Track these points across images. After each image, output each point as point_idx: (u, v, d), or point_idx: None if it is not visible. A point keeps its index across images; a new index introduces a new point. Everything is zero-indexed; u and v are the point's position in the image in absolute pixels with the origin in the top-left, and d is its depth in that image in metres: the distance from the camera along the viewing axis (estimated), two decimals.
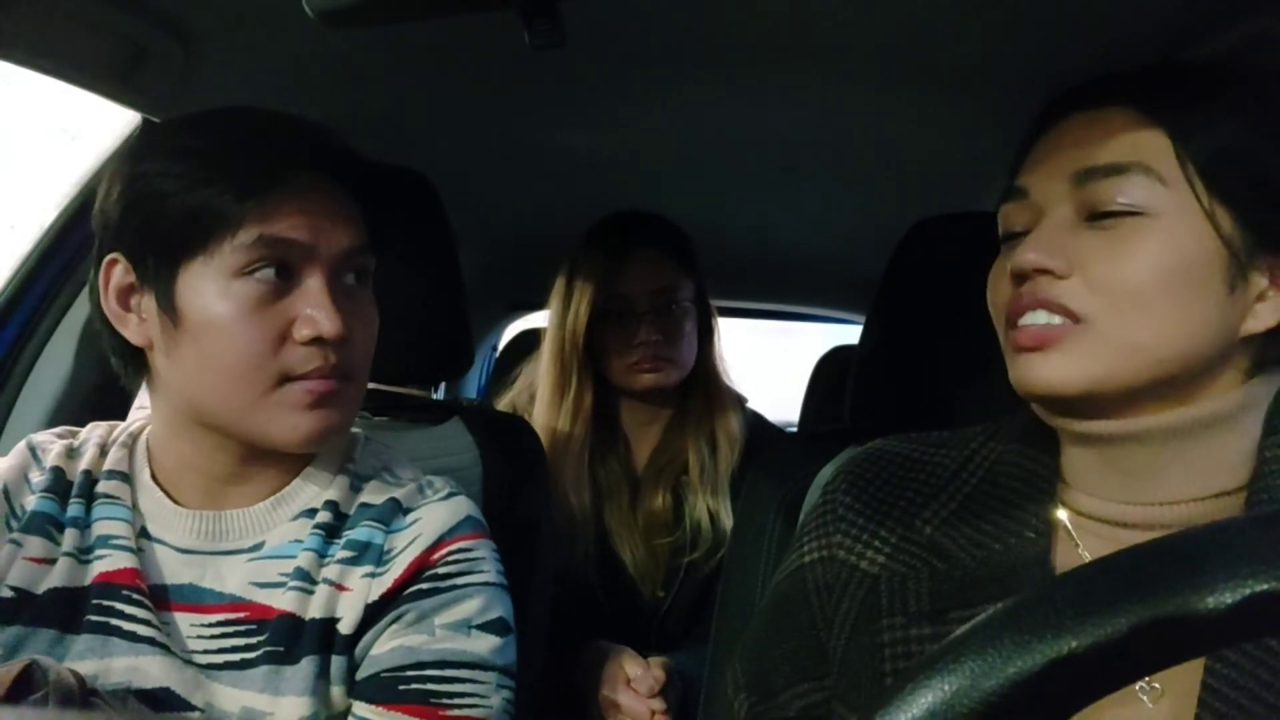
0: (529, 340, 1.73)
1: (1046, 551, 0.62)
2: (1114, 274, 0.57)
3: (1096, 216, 0.59)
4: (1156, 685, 0.57)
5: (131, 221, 0.70)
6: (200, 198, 0.68)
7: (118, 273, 0.72)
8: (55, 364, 1.15)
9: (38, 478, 0.77)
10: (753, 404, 1.47)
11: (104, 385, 0.78)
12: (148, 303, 0.71)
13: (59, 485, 0.76)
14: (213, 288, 0.69)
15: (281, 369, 0.70)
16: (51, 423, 1.05)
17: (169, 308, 0.70)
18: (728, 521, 1.28)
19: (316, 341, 0.70)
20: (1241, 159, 0.57)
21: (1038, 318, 0.60)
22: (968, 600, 0.62)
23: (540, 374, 1.37)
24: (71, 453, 0.79)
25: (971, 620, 0.60)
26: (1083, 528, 0.63)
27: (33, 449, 0.79)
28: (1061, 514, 0.64)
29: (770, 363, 2.84)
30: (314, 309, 0.70)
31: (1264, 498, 0.57)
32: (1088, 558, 0.62)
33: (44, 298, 1.16)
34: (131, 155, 0.72)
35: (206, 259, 0.69)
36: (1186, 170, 0.57)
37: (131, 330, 0.73)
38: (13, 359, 1.15)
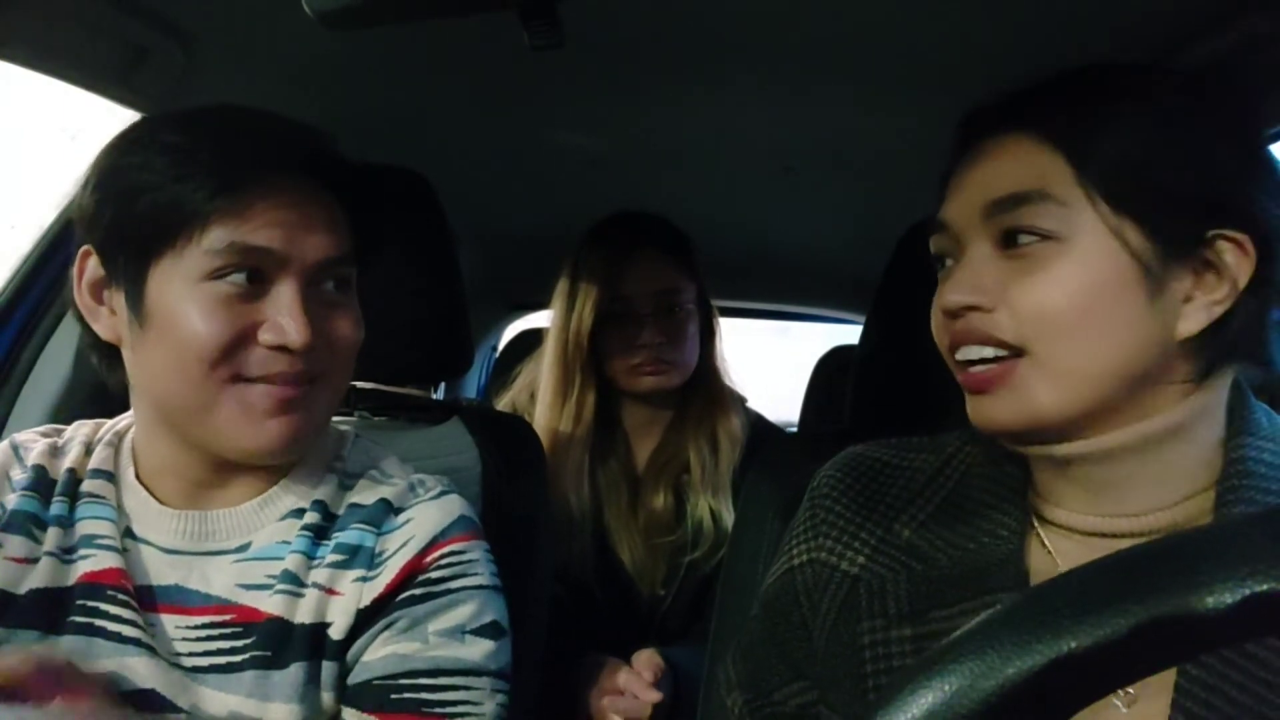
0: (529, 340, 1.73)
1: (1019, 551, 0.63)
2: (1034, 302, 0.58)
3: (1009, 247, 0.60)
4: (1130, 690, 0.57)
5: (104, 215, 0.68)
6: (171, 194, 0.66)
7: (90, 265, 0.71)
8: (55, 364, 1.15)
9: (19, 476, 0.75)
10: (752, 404, 1.47)
11: (104, 385, 0.77)
12: (118, 299, 0.70)
13: (41, 483, 0.75)
14: (181, 288, 0.67)
15: (241, 367, 0.68)
16: (51, 422, 1.05)
17: (137, 306, 0.68)
18: (729, 520, 1.28)
19: (281, 348, 0.68)
20: (1140, 172, 0.57)
21: (971, 353, 0.62)
22: (945, 600, 0.63)
23: (543, 374, 1.37)
24: (55, 451, 0.77)
25: (950, 619, 0.61)
26: (1054, 532, 0.64)
27: (14, 448, 0.78)
28: (1033, 518, 0.65)
29: (770, 363, 2.83)
30: (283, 317, 0.68)
31: (1231, 497, 0.58)
32: (1058, 560, 0.63)
33: (44, 298, 1.16)
34: (110, 149, 0.71)
35: (176, 258, 0.67)
36: (1087, 190, 0.57)
37: (102, 324, 0.72)
38: (13, 359, 1.15)
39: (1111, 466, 0.60)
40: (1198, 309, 0.57)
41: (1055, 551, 0.63)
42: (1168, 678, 0.55)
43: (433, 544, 0.75)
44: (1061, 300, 0.57)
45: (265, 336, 0.68)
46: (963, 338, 0.62)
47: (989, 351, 0.61)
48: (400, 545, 0.74)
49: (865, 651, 0.65)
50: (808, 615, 0.71)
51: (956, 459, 0.71)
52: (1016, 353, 0.60)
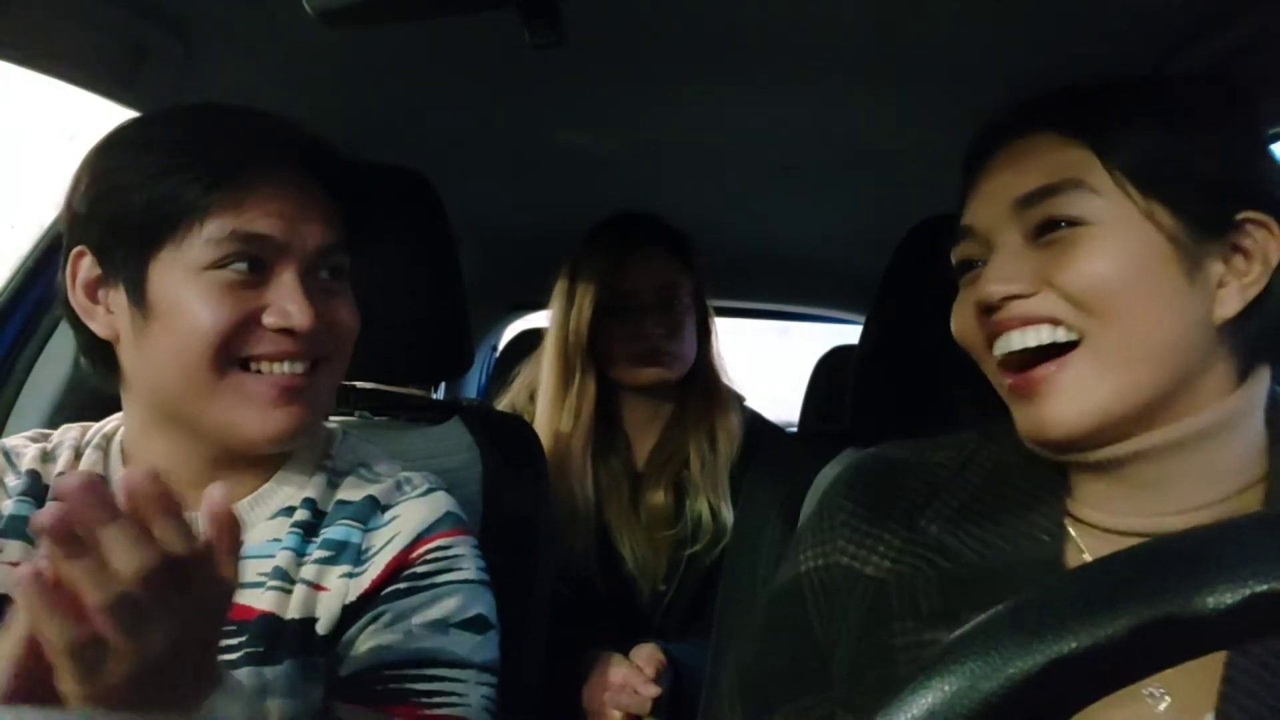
0: (529, 340, 1.73)
1: (1059, 555, 0.62)
2: (1077, 280, 0.58)
3: (1043, 234, 0.61)
4: (1163, 692, 0.56)
5: (99, 214, 0.69)
6: (167, 187, 0.67)
7: (85, 265, 0.71)
8: (55, 364, 1.15)
9: (13, 482, 0.75)
10: (752, 404, 1.48)
11: None
12: (116, 295, 0.71)
13: (35, 489, 0.75)
14: (184, 278, 0.68)
15: (247, 349, 0.70)
16: (51, 423, 1.05)
17: (139, 300, 0.69)
18: (728, 515, 1.30)
19: (286, 331, 0.70)
20: (1166, 157, 0.59)
21: (1015, 340, 0.61)
22: (978, 602, 0.61)
23: (543, 373, 1.38)
24: (46, 456, 0.77)
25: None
26: (1090, 535, 0.63)
27: (6, 453, 0.77)
28: (1068, 521, 0.64)
29: (770, 363, 2.83)
30: (286, 302, 0.70)
31: None
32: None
33: (44, 298, 1.16)
34: (97, 151, 0.71)
35: (176, 250, 0.68)
36: (1116, 177, 0.59)
37: (99, 323, 0.72)
38: (13, 359, 1.15)
39: (1157, 465, 0.60)
40: (1232, 293, 0.58)
41: (1090, 554, 0.62)
42: (1208, 680, 0.53)
43: (418, 540, 0.75)
44: (1106, 276, 0.58)
45: (270, 320, 0.69)
46: (1006, 325, 0.61)
47: (1031, 337, 0.60)
48: (386, 541, 0.75)
49: (898, 654, 0.63)
50: (816, 622, 0.70)
51: (980, 456, 0.70)
52: (1068, 344, 0.59)
